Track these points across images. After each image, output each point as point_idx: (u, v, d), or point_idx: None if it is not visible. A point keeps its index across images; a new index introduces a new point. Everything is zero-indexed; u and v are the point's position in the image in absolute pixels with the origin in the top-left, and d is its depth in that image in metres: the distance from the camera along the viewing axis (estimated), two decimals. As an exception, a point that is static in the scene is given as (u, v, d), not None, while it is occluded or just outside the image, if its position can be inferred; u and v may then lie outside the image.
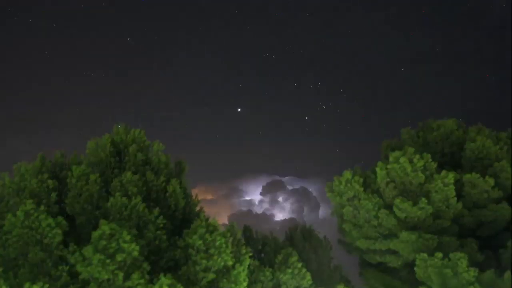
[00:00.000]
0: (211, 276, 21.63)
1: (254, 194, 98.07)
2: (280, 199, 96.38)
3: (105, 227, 19.27)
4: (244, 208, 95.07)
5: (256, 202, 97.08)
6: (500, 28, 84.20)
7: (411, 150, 28.84)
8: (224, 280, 21.91)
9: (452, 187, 27.66)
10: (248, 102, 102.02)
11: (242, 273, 22.61)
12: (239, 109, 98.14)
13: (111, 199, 21.98)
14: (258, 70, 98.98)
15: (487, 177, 28.27)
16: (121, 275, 18.96)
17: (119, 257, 18.96)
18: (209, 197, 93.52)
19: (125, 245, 19.17)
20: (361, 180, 29.83)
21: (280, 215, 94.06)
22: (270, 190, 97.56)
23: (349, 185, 29.78)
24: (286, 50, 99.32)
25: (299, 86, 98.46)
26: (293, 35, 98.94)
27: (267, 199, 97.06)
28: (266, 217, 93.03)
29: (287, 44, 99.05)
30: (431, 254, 26.19)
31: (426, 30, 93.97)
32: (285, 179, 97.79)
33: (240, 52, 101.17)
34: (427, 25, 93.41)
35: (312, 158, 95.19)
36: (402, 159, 28.19)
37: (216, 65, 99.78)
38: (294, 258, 26.51)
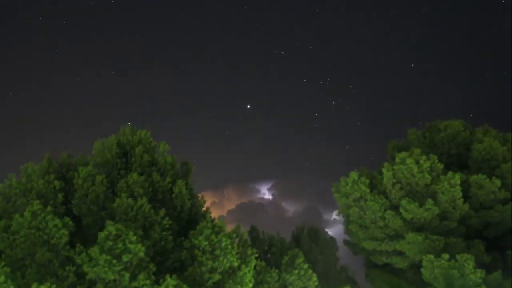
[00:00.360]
0: (217, 277, 21.63)
1: (264, 194, 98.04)
2: (292, 198, 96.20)
3: (111, 227, 19.31)
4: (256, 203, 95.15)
5: (267, 199, 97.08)
6: (500, 28, 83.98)
7: (417, 151, 28.79)
8: (230, 281, 21.90)
9: (458, 188, 27.59)
10: (257, 99, 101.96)
11: (248, 274, 22.60)
12: (248, 106, 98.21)
13: (117, 200, 22.03)
14: (267, 67, 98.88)
15: (494, 178, 28.21)
16: (127, 275, 19.01)
17: (125, 258, 19.00)
18: (218, 198, 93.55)
19: (131, 246, 19.21)
20: (368, 181, 29.81)
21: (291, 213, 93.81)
22: (282, 188, 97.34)
23: (355, 186, 29.76)
24: (296, 47, 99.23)
25: (309, 82, 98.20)
26: (302, 32, 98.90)
27: (279, 197, 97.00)
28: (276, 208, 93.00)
29: (296, 40, 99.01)
30: (437, 255, 26.14)
31: (427, 30, 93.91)
32: (298, 178, 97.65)
33: (248, 49, 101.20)
34: (427, 25, 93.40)
35: (322, 156, 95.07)
36: (408, 160, 28.15)
37: (224, 63, 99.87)
38: (301, 259, 26.48)
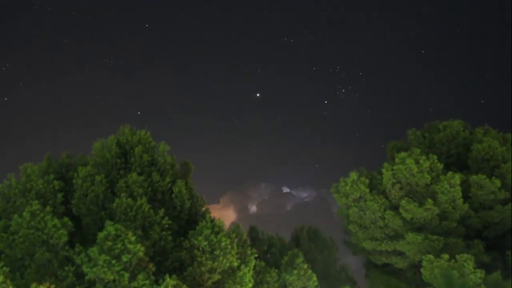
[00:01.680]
0: (216, 277, 21.64)
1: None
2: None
3: (110, 227, 19.30)
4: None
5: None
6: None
7: (417, 151, 28.75)
8: (230, 281, 21.91)
9: (458, 188, 27.53)
10: (266, 87, 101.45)
11: (247, 274, 22.61)
12: (258, 94, 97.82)
13: (117, 200, 22.02)
14: (277, 55, 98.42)
15: (493, 178, 28.12)
16: (126, 275, 18.99)
17: (124, 258, 18.99)
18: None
19: (131, 246, 19.20)
20: (367, 181, 29.77)
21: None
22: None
23: (355, 186, 29.72)
24: (305, 34, 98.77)
25: (318, 70, 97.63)
26: (312, 20, 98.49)
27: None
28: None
29: (305, 28, 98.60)
30: (437, 255, 26.09)
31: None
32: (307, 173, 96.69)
33: (258, 38, 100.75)
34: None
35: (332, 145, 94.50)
36: (408, 160, 28.10)
37: (232, 52, 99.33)
38: (300, 259, 26.49)
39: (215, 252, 21.50)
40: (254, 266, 24.00)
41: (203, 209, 25.47)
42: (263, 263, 25.87)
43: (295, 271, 25.81)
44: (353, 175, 30.23)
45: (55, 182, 23.00)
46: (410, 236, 27.64)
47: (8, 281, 17.90)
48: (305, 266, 26.27)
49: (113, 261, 18.78)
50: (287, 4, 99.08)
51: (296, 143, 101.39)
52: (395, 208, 28.77)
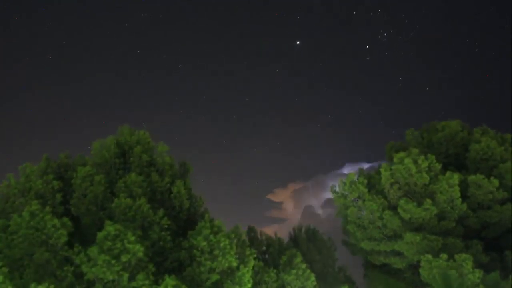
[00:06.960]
0: (215, 277, 21.61)
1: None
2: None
3: (110, 227, 19.29)
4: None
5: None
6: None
7: (415, 151, 28.80)
8: (229, 281, 21.89)
9: (457, 188, 27.59)
10: (306, 34, 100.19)
11: (246, 274, 22.59)
12: (298, 42, 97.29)
13: (116, 200, 22.01)
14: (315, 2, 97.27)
15: (492, 178, 28.16)
16: (126, 276, 18.98)
17: (124, 258, 18.98)
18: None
19: (130, 246, 19.19)
20: (366, 181, 29.84)
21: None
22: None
23: (353, 186, 29.79)
24: None
25: (358, 14, 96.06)
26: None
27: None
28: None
29: None
30: (435, 255, 26.14)
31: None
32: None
33: None
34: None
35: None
36: (406, 160, 28.15)
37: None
38: (299, 259, 26.49)
39: (214, 252, 21.48)
40: (253, 266, 23.99)
41: (202, 209, 25.52)
42: (261, 263, 25.86)
43: (294, 271, 25.81)
44: (352, 175, 30.32)
45: (54, 182, 23.00)
46: (409, 236, 27.70)
47: (8, 281, 17.89)
48: (304, 266, 26.26)
49: (113, 261, 18.76)
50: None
51: (336, 90, 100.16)
52: (393, 208, 28.84)
